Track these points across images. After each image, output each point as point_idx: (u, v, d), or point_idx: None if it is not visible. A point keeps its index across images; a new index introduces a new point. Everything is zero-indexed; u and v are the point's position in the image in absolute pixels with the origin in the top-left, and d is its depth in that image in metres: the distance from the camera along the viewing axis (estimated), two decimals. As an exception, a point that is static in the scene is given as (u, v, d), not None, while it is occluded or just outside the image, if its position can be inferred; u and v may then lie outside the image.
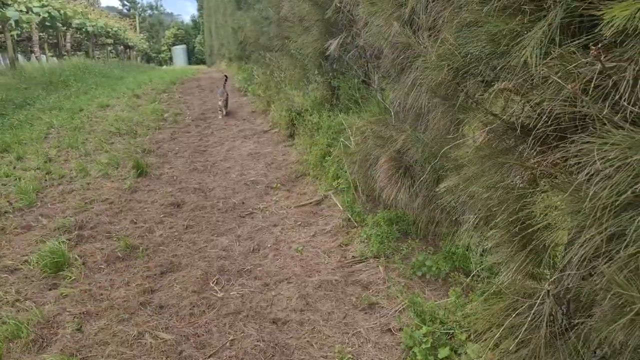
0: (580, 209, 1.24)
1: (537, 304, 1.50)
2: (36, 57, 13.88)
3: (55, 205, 4.39)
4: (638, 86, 1.23)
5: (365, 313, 2.75)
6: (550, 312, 1.50)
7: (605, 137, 1.21)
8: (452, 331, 2.22)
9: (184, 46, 43.49)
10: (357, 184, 3.72)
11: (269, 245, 3.65)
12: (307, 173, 4.96)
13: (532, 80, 1.51)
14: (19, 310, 2.82)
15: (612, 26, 1.18)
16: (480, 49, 1.75)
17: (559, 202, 1.30)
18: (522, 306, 1.57)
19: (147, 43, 40.02)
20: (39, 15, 11.46)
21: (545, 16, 1.47)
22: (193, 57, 44.61)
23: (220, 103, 8.77)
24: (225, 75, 9.54)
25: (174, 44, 44.83)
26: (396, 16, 2.38)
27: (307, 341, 2.54)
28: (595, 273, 1.34)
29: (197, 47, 45.15)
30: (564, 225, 1.31)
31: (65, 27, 15.87)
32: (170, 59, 43.80)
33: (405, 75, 2.54)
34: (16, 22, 10.25)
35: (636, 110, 1.25)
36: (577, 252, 1.31)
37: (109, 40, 23.52)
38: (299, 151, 5.53)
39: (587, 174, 1.22)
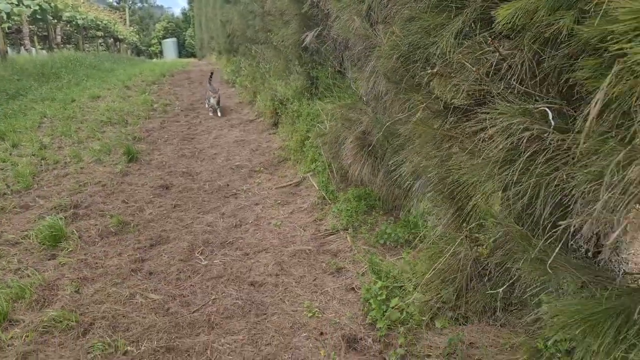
0: (476, 167, 1.58)
1: (455, 248, 1.84)
2: (26, 49, 14.01)
3: (51, 188, 4.68)
4: (524, 69, 1.57)
5: (333, 276, 3.10)
6: (466, 254, 1.84)
7: (497, 108, 1.55)
8: (403, 285, 2.57)
9: (174, 39, 43.38)
10: (332, 165, 4.06)
11: (250, 221, 3.98)
12: (288, 158, 5.28)
13: (452, 65, 1.84)
14: (21, 277, 3.12)
15: (500, 22, 1.51)
16: (417, 39, 2.08)
17: (463, 162, 1.64)
18: (446, 251, 1.91)
19: (137, 36, 39.90)
20: (30, 8, 11.62)
21: (461, 13, 1.80)
22: (184, 51, 44.52)
23: (212, 100, 8.28)
24: (211, 72, 9.40)
25: (164, 37, 44.70)
26: (357, 11, 2.71)
27: (280, 299, 2.88)
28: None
29: (187, 41, 45.07)
30: (467, 180, 1.64)
31: (55, 20, 15.99)
32: (161, 52, 43.68)
33: (367, 64, 2.87)
34: (7, 14, 10.42)
35: (523, 88, 1.59)
36: (480, 202, 1.65)
37: (99, 33, 23.58)
38: (282, 138, 5.85)
39: (481, 138, 1.55)
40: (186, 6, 52.76)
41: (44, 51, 16.92)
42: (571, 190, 1.26)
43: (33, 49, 15.45)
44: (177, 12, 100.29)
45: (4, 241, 3.61)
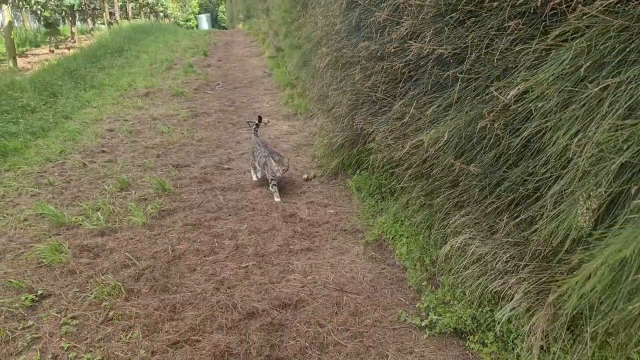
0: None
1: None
2: (110, 23, 22.80)
3: (178, 62, 13.38)
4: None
5: (262, 73, 11.68)
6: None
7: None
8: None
9: (208, 14, 51.67)
10: (271, 46, 12.57)
11: (245, 65, 12.59)
12: (264, 52, 13.86)
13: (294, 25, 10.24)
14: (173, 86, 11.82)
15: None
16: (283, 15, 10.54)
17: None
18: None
19: (180, 12, 48.53)
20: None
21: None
22: (216, 24, 52.80)
23: (276, 169, 4.77)
24: (258, 117, 5.86)
25: (199, 13, 53.19)
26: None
27: (239, 68, 11.51)
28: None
29: (219, 15, 53.31)
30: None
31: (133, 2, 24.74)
32: (197, 26, 52.19)
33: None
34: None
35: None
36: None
37: (159, 9, 32.43)
38: (263, 52, 14.44)
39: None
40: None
41: (103, 26, 25.15)
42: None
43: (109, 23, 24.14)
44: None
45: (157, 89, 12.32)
